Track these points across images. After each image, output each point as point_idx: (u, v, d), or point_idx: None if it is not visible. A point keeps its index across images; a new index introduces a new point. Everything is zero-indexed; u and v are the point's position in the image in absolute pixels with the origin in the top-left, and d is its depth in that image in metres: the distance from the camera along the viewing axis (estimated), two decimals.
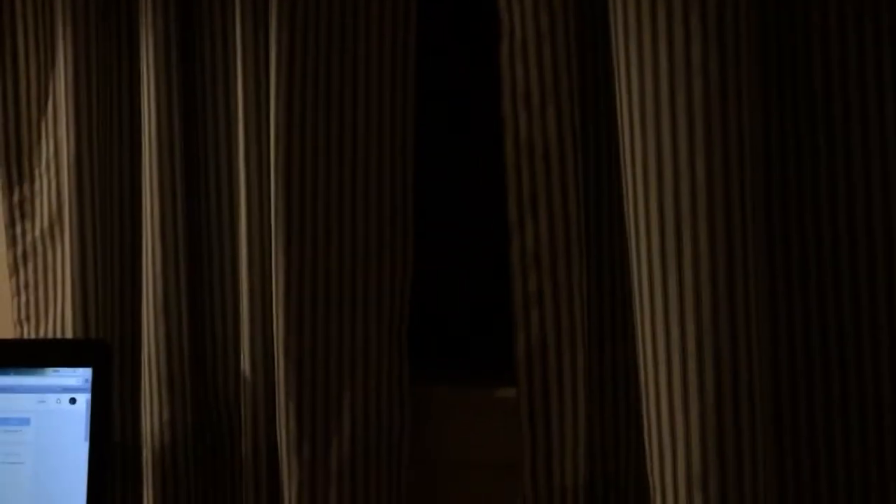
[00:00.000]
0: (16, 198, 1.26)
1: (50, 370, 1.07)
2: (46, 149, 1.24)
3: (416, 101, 1.14)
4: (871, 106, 0.95)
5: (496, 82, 1.04)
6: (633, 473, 1.06)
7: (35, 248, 1.25)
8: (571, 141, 1.02)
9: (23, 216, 1.26)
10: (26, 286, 1.26)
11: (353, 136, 1.11)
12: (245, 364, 1.13)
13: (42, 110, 1.25)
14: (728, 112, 0.88)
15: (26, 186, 1.26)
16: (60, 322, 1.23)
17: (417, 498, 1.15)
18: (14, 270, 1.26)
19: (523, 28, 1.02)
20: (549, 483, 1.03)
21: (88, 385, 1.06)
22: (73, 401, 1.06)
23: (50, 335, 1.23)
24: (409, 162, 1.13)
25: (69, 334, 1.20)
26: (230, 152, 1.18)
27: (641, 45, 0.91)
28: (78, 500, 1.04)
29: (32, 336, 1.25)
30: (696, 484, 0.89)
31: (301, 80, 1.09)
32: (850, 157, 0.96)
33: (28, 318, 1.26)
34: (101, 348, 1.08)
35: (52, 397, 1.07)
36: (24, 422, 1.06)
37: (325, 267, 1.10)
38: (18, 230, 1.26)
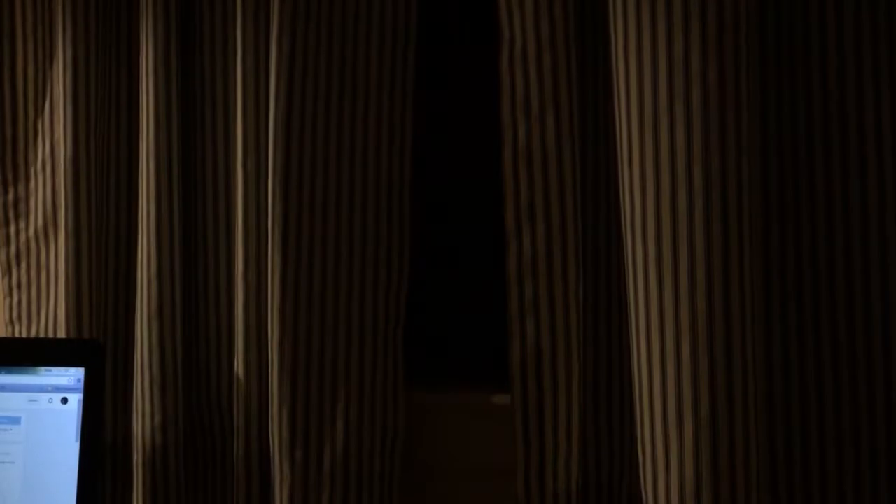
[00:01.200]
0: (10, 196, 1.25)
1: (42, 369, 1.07)
2: (42, 148, 1.24)
3: (414, 106, 1.14)
4: (869, 113, 0.95)
5: (496, 88, 1.04)
6: (627, 481, 1.06)
7: (28, 248, 1.25)
8: (570, 149, 1.02)
9: (17, 215, 1.25)
10: (19, 286, 1.26)
11: (350, 140, 1.11)
12: (238, 367, 1.13)
13: (39, 110, 1.25)
14: (726, 120, 0.89)
15: (21, 185, 1.25)
16: (53, 322, 1.22)
17: (411, 502, 1.14)
18: (7, 270, 1.26)
19: (524, 36, 1.02)
20: (541, 490, 1.02)
21: (81, 385, 1.06)
22: (64, 400, 1.06)
23: (42, 335, 1.23)
24: (406, 167, 1.13)
25: (61, 335, 1.19)
26: (228, 155, 1.18)
27: (641, 53, 0.91)
28: (68, 501, 1.03)
29: (24, 336, 1.24)
30: (689, 495, 0.89)
31: (301, 83, 1.09)
32: (846, 164, 0.96)
33: (20, 318, 1.25)
34: (95, 348, 1.08)
35: (43, 397, 1.06)
36: (16, 421, 1.06)
37: (322, 271, 1.10)
38: (12, 229, 1.26)
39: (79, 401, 1.06)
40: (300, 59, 1.09)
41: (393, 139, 1.12)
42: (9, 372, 1.07)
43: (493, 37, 1.05)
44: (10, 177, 1.25)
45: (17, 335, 1.25)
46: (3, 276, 1.26)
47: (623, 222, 0.96)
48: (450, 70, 1.29)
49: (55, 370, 1.06)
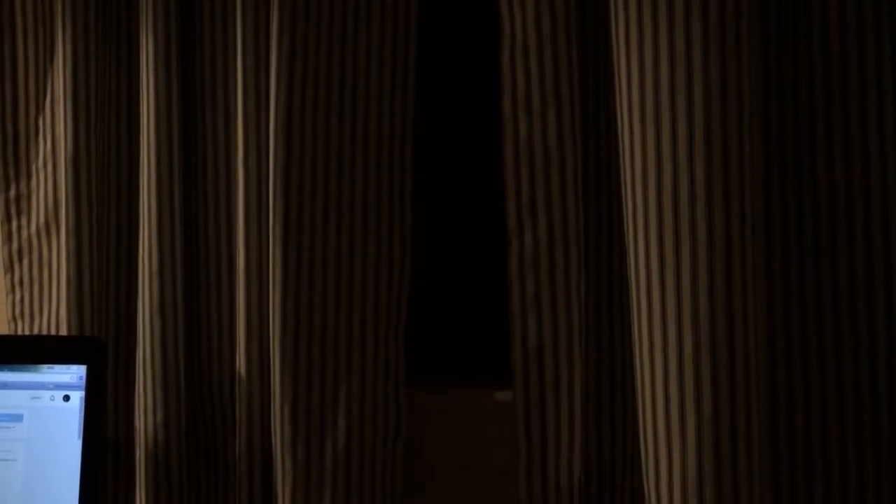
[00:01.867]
0: (12, 193, 1.25)
1: (44, 367, 1.07)
2: (44, 145, 1.24)
3: (415, 102, 1.14)
4: (871, 106, 0.95)
5: (497, 85, 1.04)
6: (629, 476, 1.06)
7: (30, 245, 1.25)
8: (572, 145, 1.02)
9: (19, 212, 1.25)
10: (21, 283, 1.26)
11: (351, 137, 1.11)
12: (240, 364, 1.13)
13: (40, 107, 1.25)
14: (728, 115, 0.89)
15: (23, 182, 1.25)
16: (55, 319, 1.22)
17: (412, 501, 1.14)
18: (9, 267, 1.26)
19: (525, 32, 1.02)
20: (544, 486, 1.02)
21: (83, 382, 1.06)
22: (66, 398, 1.06)
23: (44, 332, 1.23)
24: (407, 163, 1.13)
25: (63, 332, 1.19)
26: (228, 152, 1.18)
27: (643, 49, 0.91)
28: (70, 498, 1.03)
29: (27, 333, 1.24)
30: (691, 491, 0.89)
31: (301, 82, 1.09)
32: (849, 157, 0.96)
33: (22, 315, 1.25)
34: (96, 346, 1.08)
35: (46, 394, 1.06)
36: (18, 418, 1.06)
37: (323, 268, 1.10)
38: (14, 226, 1.26)
39: (81, 398, 1.06)
40: (300, 59, 1.08)
41: (394, 138, 1.12)
42: (11, 369, 1.07)
43: (494, 34, 1.05)
44: (11, 173, 1.25)
45: (19, 332, 1.25)
46: (5, 273, 1.26)
47: (625, 217, 0.96)
48: (451, 67, 1.29)
49: (57, 367, 1.06)
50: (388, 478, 1.12)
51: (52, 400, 1.06)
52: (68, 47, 1.19)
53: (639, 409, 0.94)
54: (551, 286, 1.02)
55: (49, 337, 1.21)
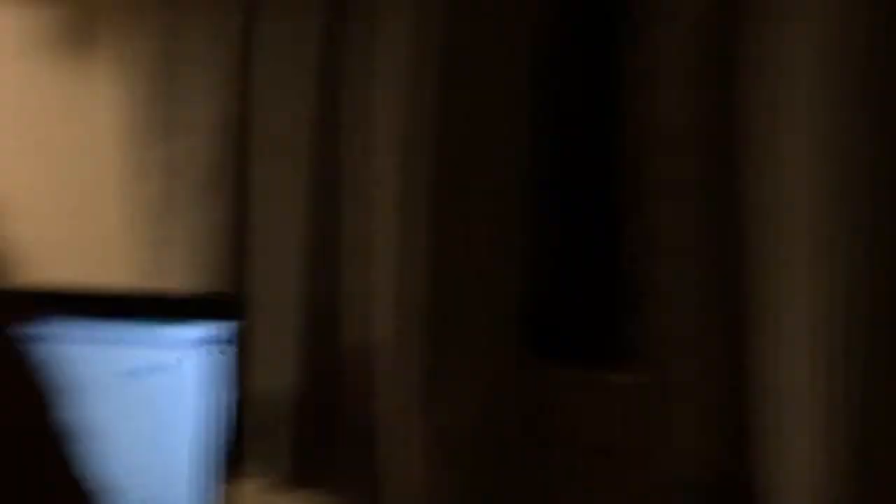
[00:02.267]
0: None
1: (184, 323, 1.05)
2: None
3: (531, 85, 1.12)
4: None
5: (614, 62, 1.02)
6: (757, 472, 1.04)
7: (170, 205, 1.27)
8: (702, 126, 1.00)
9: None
10: (156, 240, 1.28)
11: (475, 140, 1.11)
12: (370, 333, 1.14)
13: None
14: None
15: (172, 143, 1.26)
16: (188, 276, 1.24)
17: (532, 477, 1.14)
18: (145, 224, 1.28)
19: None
20: (667, 473, 1.02)
21: (222, 339, 1.05)
22: (205, 354, 1.05)
23: (177, 289, 1.23)
24: (524, 140, 1.12)
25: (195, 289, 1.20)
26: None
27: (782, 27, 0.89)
28: (193, 457, 1.03)
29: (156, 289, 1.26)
30: (821, 493, 0.87)
31: (433, 85, 1.09)
32: None
33: (155, 272, 1.28)
34: (238, 302, 1.09)
35: (175, 352, 1.05)
36: (155, 372, 1.04)
37: (452, 248, 1.10)
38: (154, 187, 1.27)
39: (209, 357, 1.04)
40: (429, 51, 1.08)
41: (514, 131, 1.11)
42: (148, 324, 1.05)
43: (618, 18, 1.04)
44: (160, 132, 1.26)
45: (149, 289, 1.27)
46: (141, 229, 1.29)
47: (755, 202, 0.93)
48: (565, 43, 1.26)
49: (197, 324, 1.05)
50: (507, 452, 1.12)
51: (182, 358, 1.04)
52: None
53: (766, 403, 0.93)
54: (679, 269, 1.01)
55: (189, 293, 1.20)
